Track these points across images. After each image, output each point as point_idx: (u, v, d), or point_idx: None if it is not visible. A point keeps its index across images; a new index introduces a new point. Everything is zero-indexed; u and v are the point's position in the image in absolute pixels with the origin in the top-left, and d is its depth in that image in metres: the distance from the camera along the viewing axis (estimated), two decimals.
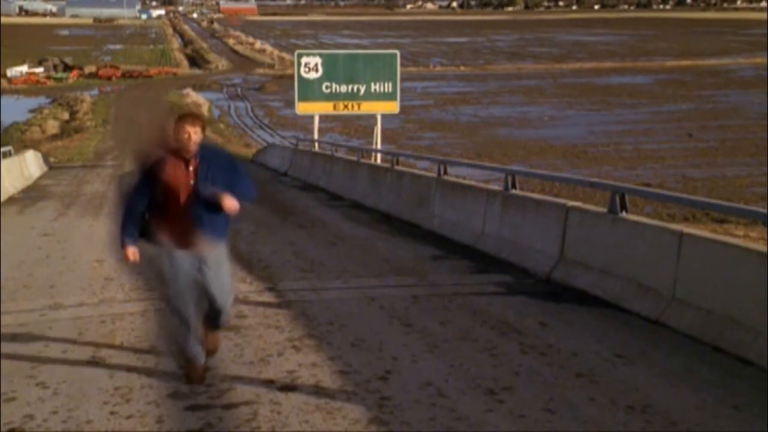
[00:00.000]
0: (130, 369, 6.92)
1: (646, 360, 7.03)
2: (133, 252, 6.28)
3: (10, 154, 25.88)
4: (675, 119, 50.19)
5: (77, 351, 7.47)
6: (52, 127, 59.83)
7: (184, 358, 6.51)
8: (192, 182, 6.10)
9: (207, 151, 6.23)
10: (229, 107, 69.08)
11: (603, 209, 9.42)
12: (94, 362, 7.14)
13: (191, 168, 6.12)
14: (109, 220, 16.29)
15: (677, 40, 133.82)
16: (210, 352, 6.67)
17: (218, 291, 6.31)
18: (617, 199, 9.04)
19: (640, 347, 7.35)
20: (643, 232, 8.57)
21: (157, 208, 6.17)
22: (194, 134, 6.04)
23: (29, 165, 27.93)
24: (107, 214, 17.58)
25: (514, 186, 11.60)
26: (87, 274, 11.06)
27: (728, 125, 46.88)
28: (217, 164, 6.21)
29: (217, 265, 6.29)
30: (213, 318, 6.49)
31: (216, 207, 6.10)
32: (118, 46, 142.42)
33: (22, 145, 42.41)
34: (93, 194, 22.47)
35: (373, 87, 26.12)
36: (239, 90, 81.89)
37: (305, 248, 12.62)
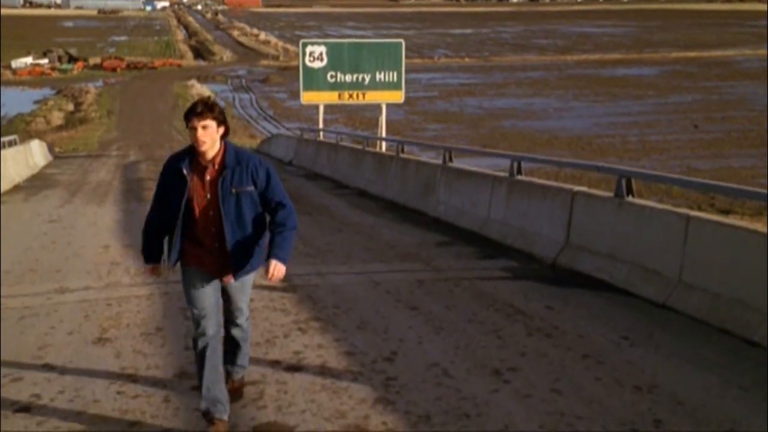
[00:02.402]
0: (136, 350, 6.93)
1: (652, 342, 7.02)
2: (154, 269, 5.46)
3: (16, 143, 25.87)
4: (680, 111, 50.12)
5: (84, 332, 7.48)
6: (57, 118, 59.94)
7: (208, 401, 5.23)
8: (209, 196, 5.06)
9: (233, 156, 5.09)
10: (233, 99, 69.19)
11: (609, 194, 9.39)
12: (100, 344, 7.15)
13: (208, 178, 5.06)
14: (115, 208, 16.42)
15: (682, 32, 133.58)
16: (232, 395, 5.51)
17: (235, 306, 5.49)
18: (623, 183, 9.02)
19: (646, 330, 7.34)
20: (650, 216, 8.55)
21: (181, 225, 5.13)
22: (201, 129, 4.94)
23: (34, 154, 27.93)
24: (113, 201, 17.64)
25: (519, 172, 11.58)
26: (93, 259, 11.07)
27: (734, 116, 46.82)
28: (246, 176, 5.07)
29: (239, 288, 5.43)
30: (230, 341, 5.58)
31: (246, 227, 5.12)
32: (122, 38, 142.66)
33: (27, 136, 42.42)
34: (98, 182, 22.48)
35: (378, 76, 26.04)
36: (244, 81, 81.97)
37: (310, 234, 12.59)
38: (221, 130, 5.03)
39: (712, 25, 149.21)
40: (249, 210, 5.09)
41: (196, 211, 5.06)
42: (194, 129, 4.93)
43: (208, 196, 5.04)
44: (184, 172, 5.03)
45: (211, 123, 4.95)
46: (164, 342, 7.10)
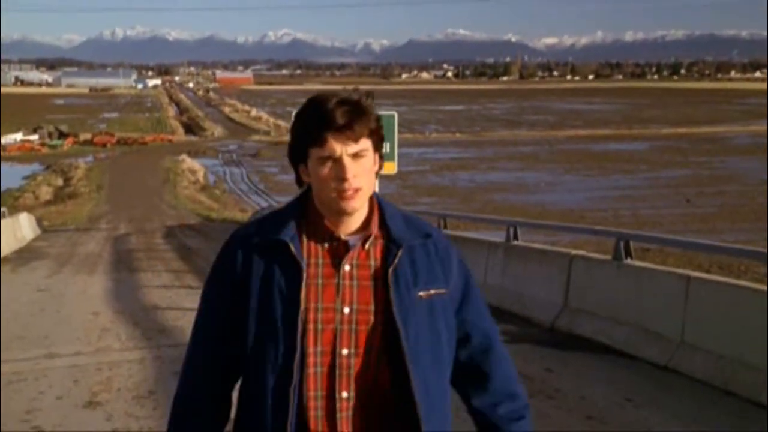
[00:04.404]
0: (128, 413, 6.76)
1: (656, 403, 6.86)
2: None
3: (4, 216, 25.71)
4: (672, 185, 50.36)
5: (73, 396, 7.31)
6: (46, 193, 59.79)
7: None
8: (360, 307, 2.22)
9: (401, 222, 2.33)
10: (224, 173, 69.23)
11: (608, 257, 9.32)
12: (90, 407, 6.97)
13: (349, 268, 2.24)
14: (105, 277, 16.25)
15: (672, 109, 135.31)
16: None
17: None
18: (622, 245, 8.95)
19: (649, 391, 7.19)
20: (650, 277, 8.46)
21: (264, 383, 2.22)
22: (350, 161, 2.18)
23: (22, 227, 27.73)
24: (103, 271, 17.48)
25: (516, 237, 11.52)
26: (82, 325, 10.89)
27: (726, 191, 46.98)
28: (437, 264, 2.31)
29: None
30: None
31: (444, 380, 2.31)
32: (113, 115, 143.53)
33: (15, 211, 42.23)
34: (87, 254, 22.29)
35: None
36: (235, 156, 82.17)
37: None
38: (377, 160, 2.26)
39: (701, 102, 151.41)
40: (448, 338, 2.31)
41: (316, 347, 2.21)
42: (332, 160, 2.17)
43: (358, 305, 2.21)
44: (292, 250, 2.21)
45: (367, 146, 2.20)
46: (157, 405, 6.91)
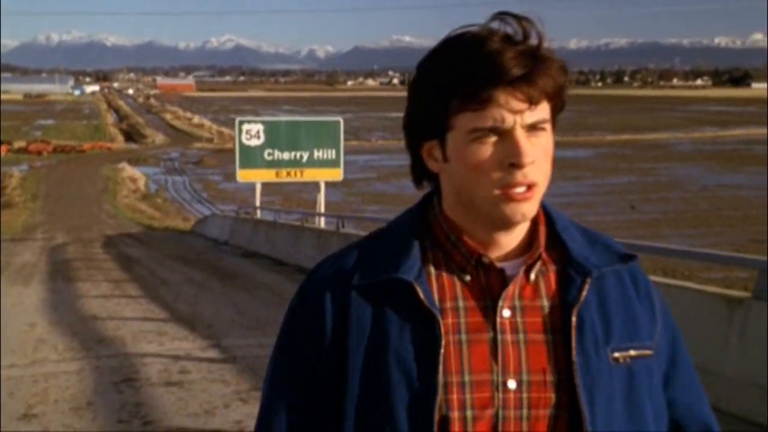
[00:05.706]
0: (65, 424, 6.50)
1: None
2: None
3: None
4: (617, 191, 50.92)
5: (8, 410, 7.01)
6: None
7: None
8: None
9: (579, 238, 1.46)
10: (166, 181, 68.45)
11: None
12: (26, 419, 6.69)
13: (507, 313, 1.37)
14: (42, 287, 15.80)
15: (616, 116, 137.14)
16: None
17: None
18: None
19: None
20: None
21: None
22: (525, 138, 1.32)
23: None
24: (39, 281, 17.02)
25: None
26: (17, 337, 10.52)
27: (669, 198, 47.62)
28: (642, 310, 1.43)
29: None
30: None
31: None
32: (49, 122, 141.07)
33: None
34: (23, 264, 21.69)
35: (316, 154, 25.73)
36: (177, 164, 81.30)
37: (250, 308, 12.27)
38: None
39: (644, 109, 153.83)
40: (657, 424, 1.43)
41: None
42: (496, 134, 1.32)
43: (530, 375, 1.35)
44: (421, 295, 1.35)
45: (547, 114, 1.38)
46: (95, 416, 6.66)
